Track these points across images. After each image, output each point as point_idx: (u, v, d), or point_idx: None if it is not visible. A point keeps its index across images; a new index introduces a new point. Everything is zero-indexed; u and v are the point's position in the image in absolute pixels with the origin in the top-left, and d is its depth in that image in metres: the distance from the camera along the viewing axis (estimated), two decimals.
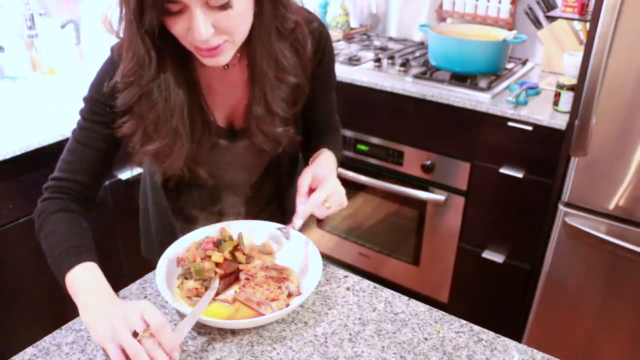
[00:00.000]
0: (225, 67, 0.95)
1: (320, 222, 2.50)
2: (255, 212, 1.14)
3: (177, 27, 0.78)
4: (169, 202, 1.14)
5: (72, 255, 0.86)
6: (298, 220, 0.92)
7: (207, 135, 0.97)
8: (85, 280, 0.84)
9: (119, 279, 0.95)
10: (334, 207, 0.93)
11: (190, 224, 1.08)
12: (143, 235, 1.28)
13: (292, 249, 0.99)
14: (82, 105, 0.95)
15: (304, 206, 0.91)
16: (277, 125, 0.96)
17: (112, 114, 0.91)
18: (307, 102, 1.02)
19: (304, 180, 0.93)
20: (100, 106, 0.92)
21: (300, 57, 0.95)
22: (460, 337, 0.86)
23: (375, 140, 2.17)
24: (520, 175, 1.84)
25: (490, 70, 2.03)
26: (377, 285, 0.97)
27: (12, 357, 0.82)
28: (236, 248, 0.96)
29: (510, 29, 2.22)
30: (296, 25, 0.93)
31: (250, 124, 0.98)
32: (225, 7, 0.76)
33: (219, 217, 1.09)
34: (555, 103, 1.79)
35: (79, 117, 0.95)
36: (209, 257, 0.92)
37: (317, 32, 0.99)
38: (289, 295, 0.90)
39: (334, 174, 0.97)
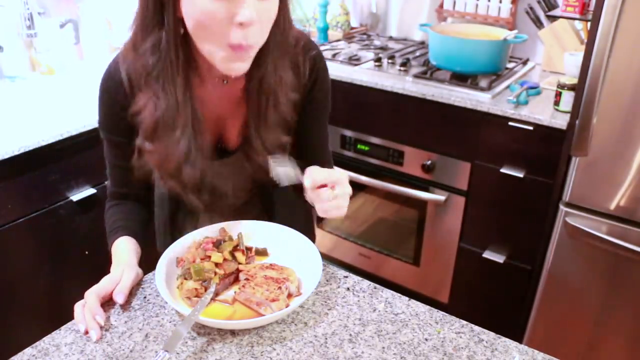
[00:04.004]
0: (224, 81, 0.96)
1: (320, 222, 2.50)
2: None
3: (220, 13, 0.78)
4: (157, 209, 1.15)
5: (108, 237, 1.04)
6: (308, 179, 0.87)
7: (200, 153, 0.96)
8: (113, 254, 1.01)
9: None
10: (340, 197, 0.89)
11: (178, 232, 1.08)
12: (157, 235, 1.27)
13: (292, 249, 0.99)
14: (99, 131, 1.01)
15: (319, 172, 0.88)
16: (273, 139, 0.97)
17: (129, 128, 0.94)
18: (298, 130, 1.02)
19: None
20: (116, 129, 0.97)
21: (296, 76, 0.96)
22: (460, 337, 0.85)
23: (375, 140, 2.17)
24: (521, 175, 1.84)
25: (490, 70, 2.03)
26: (377, 286, 0.97)
27: (11, 358, 0.81)
28: (236, 248, 0.95)
29: (510, 29, 2.21)
30: (296, 42, 0.94)
31: (244, 144, 0.98)
32: None
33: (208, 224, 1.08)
34: (556, 103, 1.79)
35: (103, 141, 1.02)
36: (209, 257, 0.92)
37: (312, 62, 0.99)
38: (289, 295, 0.89)
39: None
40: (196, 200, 1.01)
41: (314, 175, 0.88)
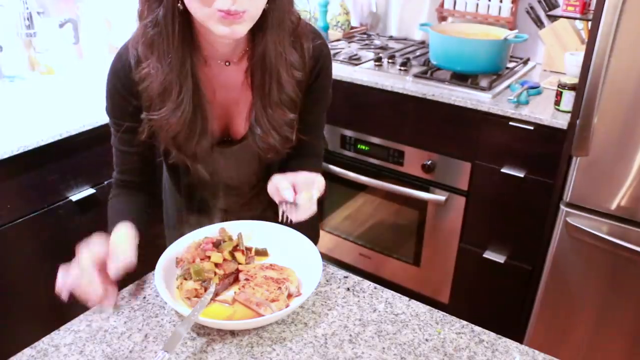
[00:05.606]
0: (226, 63, 0.96)
1: (321, 221, 2.50)
2: (253, 217, 1.13)
3: None
4: (173, 201, 1.15)
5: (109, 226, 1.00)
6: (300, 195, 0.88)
7: (204, 138, 0.98)
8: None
9: None
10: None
11: (191, 226, 1.08)
12: (167, 231, 1.28)
13: (292, 249, 0.98)
14: (105, 116, 1.02)
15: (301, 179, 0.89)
16: (279, 116, 0.97)
17: (133, 111, 0.96)
18: (297, 117, 1.02)
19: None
20: (120, 111, 0.98)
21: (301, 57, 0.96)
22: (461, 338, 0.85)
23: (375, 140, 2.16)
24: (521, 175, 1.84)
25: (491, 70, 2.02)
26: (378, 286, 0.96)
27: (11, 358, 0.81)
28: (236, 248, 0.95)
29: (511, 28, 2.21)
30: (298, 20, 0.95)
31: (251, 125, 0.98)
32: None
33: (219, 219, 1.09)
34: (557, 102, 1.78)
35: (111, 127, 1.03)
36: (209, 257, 0.92)
37: (319, 50, 1.00)
38: (289, 295, 0.89)
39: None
40: (202, 170, 1.02)
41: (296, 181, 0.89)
